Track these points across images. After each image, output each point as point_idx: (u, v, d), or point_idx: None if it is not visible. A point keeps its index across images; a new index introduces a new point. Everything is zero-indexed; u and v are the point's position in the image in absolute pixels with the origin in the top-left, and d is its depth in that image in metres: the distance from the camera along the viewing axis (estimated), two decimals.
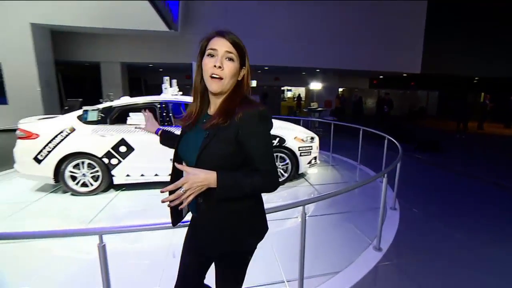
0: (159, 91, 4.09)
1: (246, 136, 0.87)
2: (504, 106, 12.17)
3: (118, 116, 3.56)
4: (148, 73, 15.82)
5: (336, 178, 4.55)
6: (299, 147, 3.99)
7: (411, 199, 3.61)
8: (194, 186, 0.82)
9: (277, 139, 3.88)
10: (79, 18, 7.99)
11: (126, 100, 3.69)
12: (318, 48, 11.96)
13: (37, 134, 3.28)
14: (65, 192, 3.48)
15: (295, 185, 4.07)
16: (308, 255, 1.84)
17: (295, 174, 4.09)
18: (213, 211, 0.93)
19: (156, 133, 1.31)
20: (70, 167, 3.34)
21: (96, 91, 12.12)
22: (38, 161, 3.28)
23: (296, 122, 5.90)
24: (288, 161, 3.97)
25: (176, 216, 1.07)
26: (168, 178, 1.05)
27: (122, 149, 3.42)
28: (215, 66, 0.88)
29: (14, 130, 3.36)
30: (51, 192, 3.56)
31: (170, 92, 4.03)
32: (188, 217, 1.14)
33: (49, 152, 3.28)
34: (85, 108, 3.50)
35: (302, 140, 4.04)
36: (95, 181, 3.45)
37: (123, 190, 3.66)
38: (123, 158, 3.44)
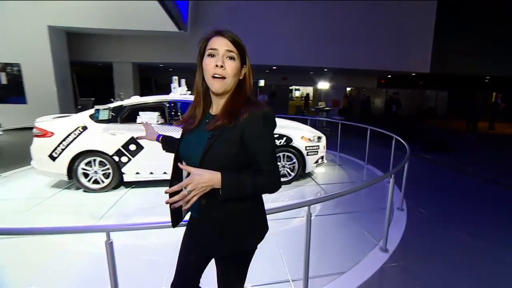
0: (168, 91, 4.18)
1: (251, 136, 0.87)
2: None
3: (128, 115, 3.65)
4: (158, 72, 16.09)
5: (343, 178, 4.52)
6: (306, 147, 3.99)
7: (419, 200, 3.55)
8: (199, 186, 0.81)
9: (284, 138, 3.89)
10: (92, 19, 8.25)
11: (136, 100, 3.77)
12: (326, 48, 11.86)
13: (52, 132, 3.41)
14: (78, 188, 3.60)
15: (301, 184, 4.07)
16: (314, 255, 1.83)
17: (302, 174, 4.10)
18: (215, 212, 0.93)
19: (157, 140, 1.29)
20: (82, 165, 3.46)
21: (108, 90, 12.44)
22: (53, 158, 3.40)
23: (304, 121, 5.89)
24: (295, 160, 3.98)
25: (176, 217, 1.06)
26: None
27: (132, 147, 3.51)
28: (216, 65, 0.87)
29: (32, 129, 3.50)
30: (65, 188, 3.69)
31: (179, 92, 4.10)
32: (187, 216, 1.13)
33: (63, 149, 3.40)
34: (96, 107, 3.60)
35: (309, 139, 4.04)
36: (106, 178, 3.55)
37: (133, 187, 3.76)
38: (133, 156, 3.53)
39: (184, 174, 1.02)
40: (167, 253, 2.23)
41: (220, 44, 0.88)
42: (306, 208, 1.65)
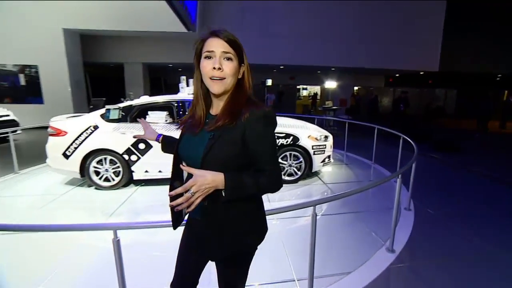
0: (177, 90, 4.25)
1: (252, 137, 0.86)
2: None
3: (138, 115, 3.73)
4: (168, 72, 16.32)
5: (350, 177, 4.49)
6: (312, 146, 3.98)
7: (426, 200, 3.50)
8: (202, 188, 0.80)
9: (291, 137, 3.90)
10: (104, 21, 8.48)
11: (145, 99, 3.86)
12: (334, 47, 11.76)
13: (65, 132, 3.53)
14: (90, 186, 3.72)
15: (308, 183, 4.07)
16: (320, 255, 1.81)
17: (309, 173, 4.10)
18: (216, 213, 0.92)
19: (157, 140, 1.24)
20: (94, 163, 3.57)
21: (120, 90, 12.73)
22: (66, 156, 3.53)
23: (311, 120, 5.87)
24: (301, 159, 3.98)
25: (177, 219, 1.06)
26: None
27: (141, 146, 3.59)
28: (214, 68, 0.86)
29: (48, 128, 3.64)
30: (78, 186, 3.82)
31: (187, 91, 4.16)
32: (186, 216, 1.12)
33: (76, 148, 3.52)
34: (107, 107, 3.71)
35: (316, 138, 4.03)
36: (117, 176, 3.65)
37: (142, 185, 3.85)
38: (142, 155, 3.62)
39: (184, 175, 1.02)
40: (176, 249, 2.28)
41: (216, 46, 0.86)
42: (311, 208, 1.65)
